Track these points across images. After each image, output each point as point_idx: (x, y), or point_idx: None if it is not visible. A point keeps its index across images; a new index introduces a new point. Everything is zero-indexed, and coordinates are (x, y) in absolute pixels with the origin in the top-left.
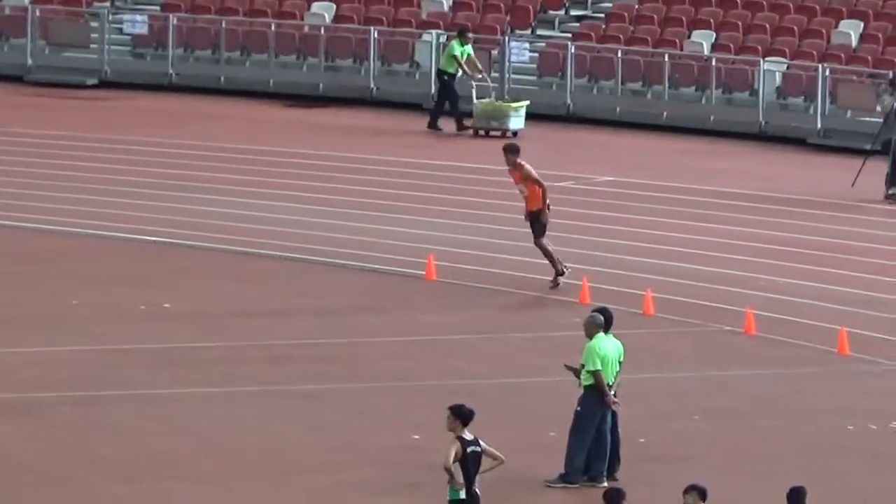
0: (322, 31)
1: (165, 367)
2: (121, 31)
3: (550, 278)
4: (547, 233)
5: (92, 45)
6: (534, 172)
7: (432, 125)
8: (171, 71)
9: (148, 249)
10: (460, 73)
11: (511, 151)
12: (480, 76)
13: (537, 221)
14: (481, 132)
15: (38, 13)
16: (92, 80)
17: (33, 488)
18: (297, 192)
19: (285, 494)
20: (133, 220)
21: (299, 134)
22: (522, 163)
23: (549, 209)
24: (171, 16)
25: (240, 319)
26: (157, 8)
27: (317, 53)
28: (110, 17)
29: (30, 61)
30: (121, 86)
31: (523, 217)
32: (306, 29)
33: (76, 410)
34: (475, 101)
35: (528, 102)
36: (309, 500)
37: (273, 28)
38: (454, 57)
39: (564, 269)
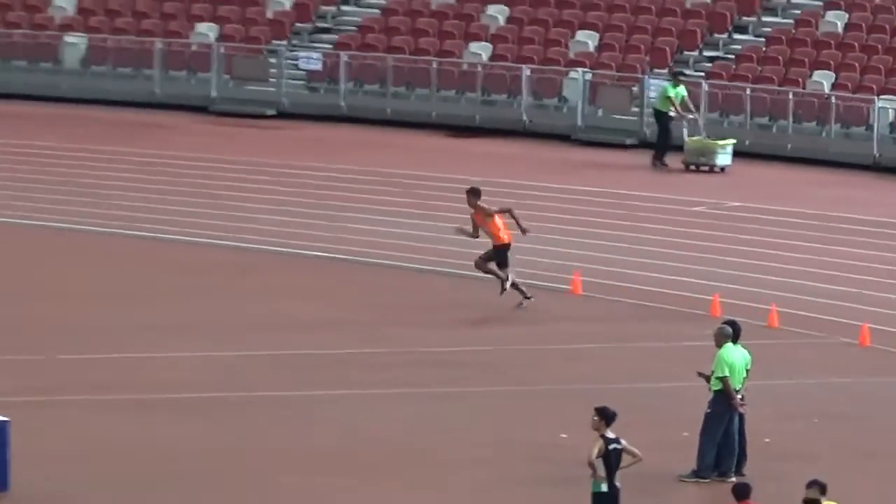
0: (479, 69)
1: (329, 370)
2: (296, 66)
3: (519, 302)
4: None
5: (270, 80)
6: (491, 208)
7: (657, 161)
8: (342, 103)
9: (315, 264)
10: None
11: (472, 194)
12: (692, 116)
13: (501, 255)
14: (692, 167)
15: (222, 50)
16: (270, 111)
17: (204, 479)
18: (453, 214)
19: (443, 486)
20: (305, 237)
21: (457, 161)
22: (481, 205)
23: (524, 230)
24: (342, 53)
25: (398, 328)
26: (330, 46)
27: (474, 89)
28: (287, 55)
29: (214, 93)
30: (296, 116)
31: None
32: (465, 67)
33: (237, 409)
34: (686, 138)
35: (734, 140)
36: (467, 492)
37: (435, 66)
38: (668, 98)
39: (506, 289)
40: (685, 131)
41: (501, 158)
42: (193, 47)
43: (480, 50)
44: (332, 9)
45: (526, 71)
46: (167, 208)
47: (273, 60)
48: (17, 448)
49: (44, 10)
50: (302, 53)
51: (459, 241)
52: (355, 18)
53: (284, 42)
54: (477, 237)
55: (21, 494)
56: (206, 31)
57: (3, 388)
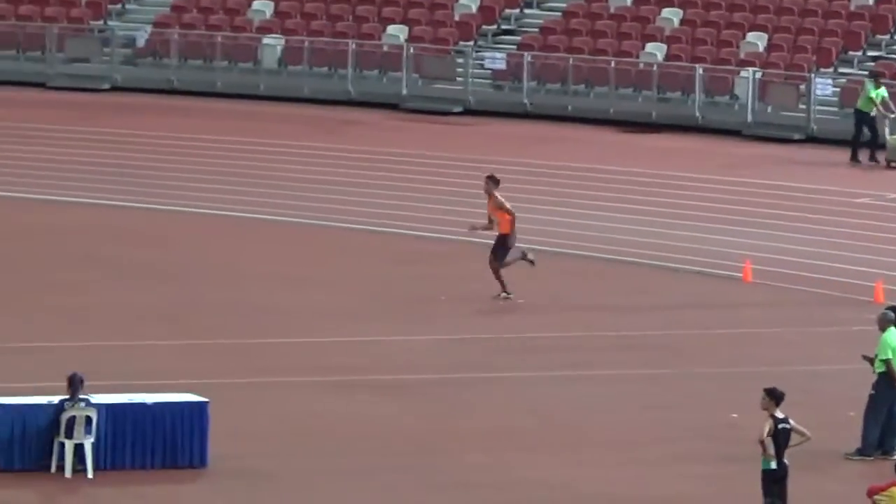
0: (655, 68)
1: (519, 353)
2: (482, 66)
3: (499, 293)
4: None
5: (458, 79)
6: (505, 203)
7: (857, 158)
8: (525, 101)
9: None
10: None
11: (493, 182)
12: (894, 115)
13: (503, 245)
14: (893, 164)
15: (412, 50)
16: (457, 109)
17: (415, 457)
18: (630, 205)
19: (620, 464)
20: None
21: (633, 156)
22: (496, 194)
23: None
24: (525, 54)
25: (584, 313)
26: (514, 47)
27: (650, 87)
28: (474, 55)
29: (405, 91)
30: (482, 113)
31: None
32: (641, 66)
33: (445, 390)
34: (888, 136)
35: None
36: (643, 469)
37: (613, 65)
38: (870, 99)
39: (510, 294)
40: (887, 130)
41: (675, 153)
42: (385, 48)
43: (656, 50)
44: (516, 11)
45: (699, 70)
46: (363, 200)
47: (460, 60)
48: (216, 427)
49: (243, 14)
50: (487, 54)
51: (643, 231)
52: (537, 21)
53: (471, 43)
54: (491, 228)
55: (218, 470)
56: (397, 32)
57: (206, 370)
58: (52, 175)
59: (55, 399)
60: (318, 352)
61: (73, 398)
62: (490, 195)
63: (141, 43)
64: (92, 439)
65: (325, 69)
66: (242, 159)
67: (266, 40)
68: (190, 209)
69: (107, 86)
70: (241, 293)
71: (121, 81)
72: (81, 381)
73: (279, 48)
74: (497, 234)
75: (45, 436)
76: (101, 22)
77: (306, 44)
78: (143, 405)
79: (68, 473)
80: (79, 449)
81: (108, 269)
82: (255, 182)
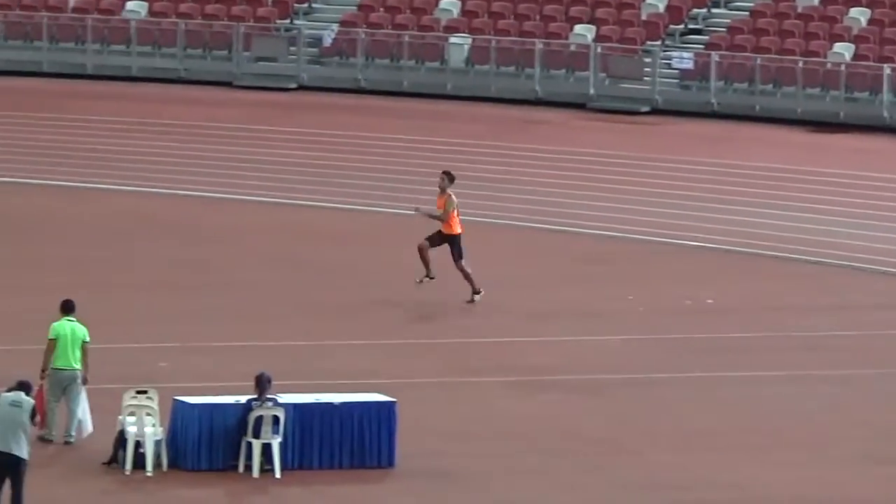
0: (842, 68)
1: (707, 354)
2: (670, 65)
3: (468, 299)
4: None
5: (645, 78)
6: (454, 204)
7: None
8: (713, 100)
9: (691, 252)
10: None
11: (449, 178)
12: None
13: (455, 245)
14: None
15: (599, 50)
16: (645, 108)
17: (603, 457)
18: (818, 205)
19: (803, 464)
20: (682, 227)
21: (821, 156)
22: (451, 193)
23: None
24: (712, 53)
25: (772, 313)
26: (702, 46)
27: (838, 86)
28: (661, 54)
29: (592, 91)
30: (669, 113)
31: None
32: (829, 66)
33: (633, 391)
34: None
35: None
36: (826, 469)
37: (800, 65)
38: None
39: (480, 290)
40: None
41: (863, 153)
42: (572, 47)
43: (843, 50)
44: (703, 11)
45: (887, 70)
46: (549, 200)
47: (648, 60)
48: (404, 426)
49: (430, 13)
50: (675, 53)
51: (827, 231)
52: (725, 20)
53: (658, 42)
54: (444, 221)
55: (406, 470)
56: (584, 31)
57: (394, 369)
58: (237, 174)
59: (243, 399)
60: (508, 351)
61: (261, 398)
62: (443, 191)
63: (327, 42)
64: (279, 439)
65: (511, 68)
66: (428, 159)
67: (453, 39)
68: (376, 208)
69: (293, 85)
70: (429, 293)
71: (307, 81)
72: (269, 381)
73: (466, 47)
74: (446, 234)
75: (233, 436)
76: (288, 21)
77: (493, 43)
78: (330, 405)
79: (256, 473)
80: (266, 449)
81: (293, 269)
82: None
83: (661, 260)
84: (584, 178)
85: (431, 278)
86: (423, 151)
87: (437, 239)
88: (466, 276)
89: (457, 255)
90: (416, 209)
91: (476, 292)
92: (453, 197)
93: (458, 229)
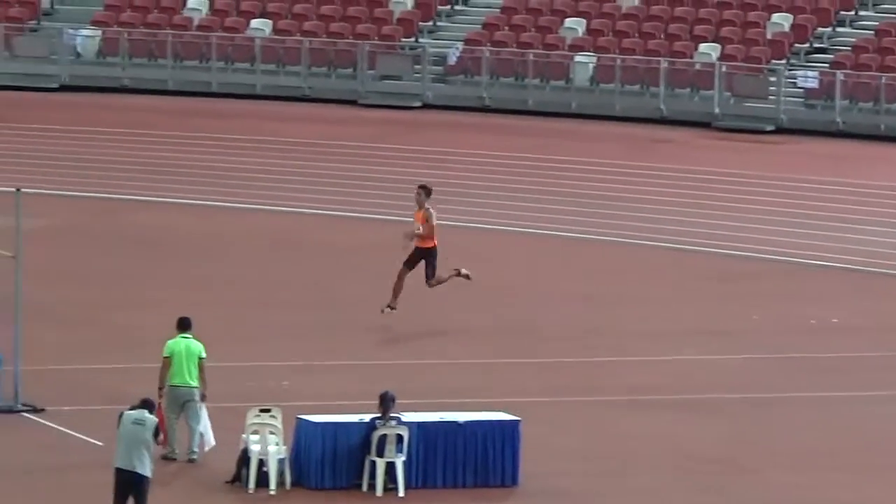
0: None
1: (829, 373)
2: (794, 84)
3: (387, 305)
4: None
5: (770, 97)
6: (433, 217)
7: None
8: (838, 119)
9: (817, 272)
10: None
11: (426, 193)
12: None
13: (431, 260)
14: None
15: (724, 69)
16: (769, 127)
17: (722, 477)
18: None
19: None
20: (803, 246)
21: None
22: (429, 207)
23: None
24: (838, 73)
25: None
26: (826, 65)
27: None
28: (786, 73)
29: (717, 110)
30: (794, 132)
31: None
32: None
33: (752, 410)
34: None
35: None
36: None
37: None
38: None
39: (395, 307)
40: None
41: None
42: (697, 66)
43: None
44: (828, 30)
45: None
46: (674, 219)
47: (772, 79)
48: (528, 446)
49: (555, 31)
50: (800, 72)
51: None
52: (850, 39)
53: (783, 61)
54: (428, 236)
55: (530, 489)
56: (709, 50)
57: (517, 388)
58: (361, 192)
59: (367, 417)
60: (628, 370)
61: (385, 416)
62: (421, 207)
63: (452, 60)
64: (403, 458)
65: (636, 87)
66: (552, 178)
67: (578, 58)
68: (500, 227)
69: (418, 103)
70: (552, 312)
71: (432, 99)
72: (393, 400)
73: (591, 66)
74: (424, 248)
75: (357, 454)
76: (413, 39)
77: (618, 62)
78: (454, 424)
79: (379, 492)
80: (390, 467)
81: (416, 287)
82: (566, 200)
83: (786, 279)
84: (708, 198)
85: (393, 308)
86: (548, 170)
87: (416, 258)
88: (438, 283)
89: (430, 272)
90: (406, 238)
91: (392, 308)
92: (432, 210)
93: (431, 242)
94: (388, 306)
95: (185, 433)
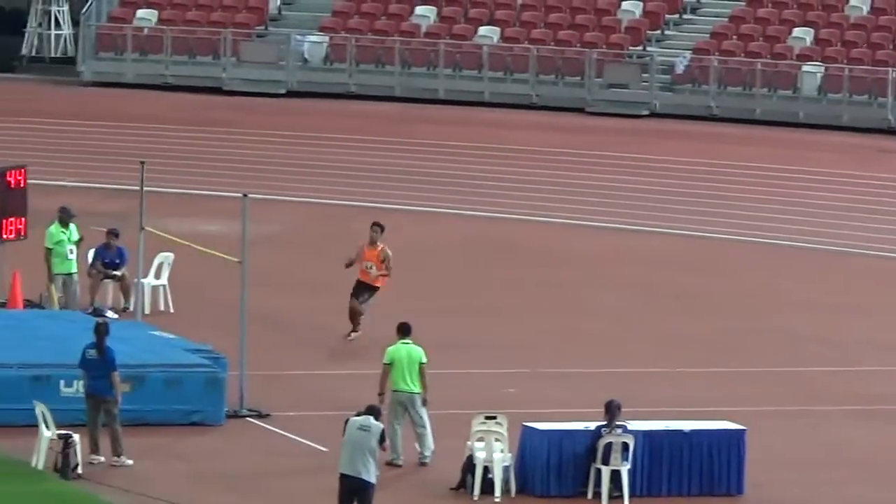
0: None
1: None
2: None
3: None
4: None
5: None
6: (391, 261)
7: None
8: None
9: None
10: None
11: (381, 230)
12: None
13: (372, 294)
14: None
15: None
16: None
17: None
18: None
19: None
20: None
21: None
22: (385, 247)
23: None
24: None
25: None
26: None
27: None
28: None
29: None
30: None
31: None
32: None
33: None
34: None
35: None
36: None
37: None
38: None
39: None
40: None
41: None
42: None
43: None
44: None
45: None
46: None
47: None
48: (753, 455)
49: (784, 41)
50: None
51: None
52: None
53: None
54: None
55: (754, 499)
56: None
57: (742, 398)
58: (588, 200)
59: (592, 425)
60: (856, 381)
61: (611, 424)
62: (374, 245)
63: (680, 69)
64: (628, 466)
65: (864, 97)
66: (778, 187)
67: (806, 68)
68: (724, 236)
69: (645, 112)
70: (777, 321)
71: (659, 108)
72: (619, 408)
73: (819, 76)
74: (371, 286)
75: (582, 462)
76: (641, 48)
77: (846, 71)
78: (680, 432)
79: (605, 500)
80: (615, 475)
81: (645, 296)
82: (791, 210)
83: None
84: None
85: (356, 332)
86: (776, 180)
87: (362, 291)
88: (356, 315)
89: (366, 299)
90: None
91: (354, 331)
92: (389, 252)
93: (383, 283)
94: (353, 331)
95: (409, 439)
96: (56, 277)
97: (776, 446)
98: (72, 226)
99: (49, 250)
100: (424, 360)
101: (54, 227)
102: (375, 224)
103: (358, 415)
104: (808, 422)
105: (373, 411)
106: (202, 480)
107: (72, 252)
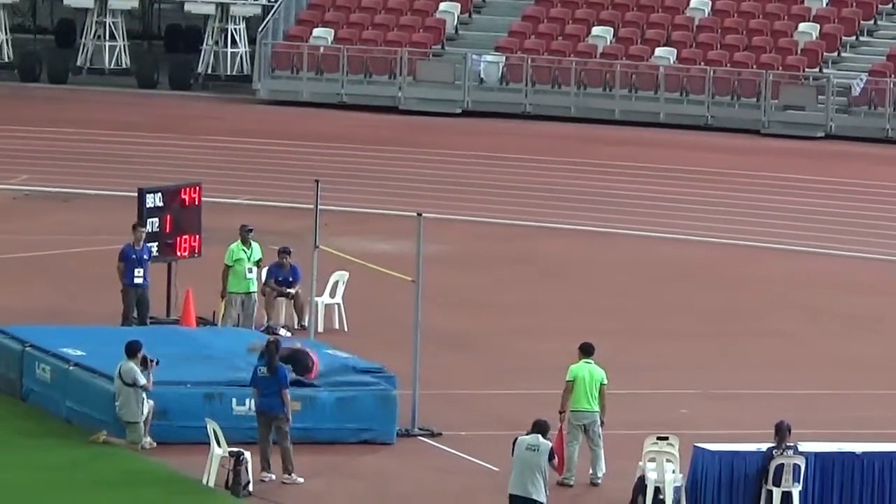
0: None
1: None
2: None
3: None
4: None
5: None
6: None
7: None
8: None
9: None
10: None
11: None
12: None
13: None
14: None
15: None
16: None
17: None
18: None
19: None
20: None
21: None
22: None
23: None
24: None
25: None
26: None
27: None
28: None
29: None
30: None
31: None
32: None
33: None
34: None
35: None
36: None
37: None
38: None
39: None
40: None
41: None
42: None
43: None
44: None
45: None
46: None
47: None
48: None
49: None
50: None
51: None
52: None
53: None
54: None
55: None
56: None
57: None
58: (763, 222)
59: (763, 447)
60: None
61: (781, 446)
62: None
63: (856, 91)
64: (800, 487)
65: None
66: None
67: None
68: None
69: (821, 134)
70: None
71: (835, 129)
72: (789, 429)
73: None
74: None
75: (753, 483)
76: (817, 69)
77: None
78: (852, 454)
79: None
80: (786, 497)
81: (817, 318)
82: None
83: None
84: None
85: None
86: None
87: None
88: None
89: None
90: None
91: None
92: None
93: None
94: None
95: (584, 459)
96: (234, 296)
97: None
98: (254, 245)
99: (228, 267)
100: (605, 381)
101: (235, 246)
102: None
103: (528, 433)
104: None
105: (541, 428)
106: (374, 499)
107: (251, 271)
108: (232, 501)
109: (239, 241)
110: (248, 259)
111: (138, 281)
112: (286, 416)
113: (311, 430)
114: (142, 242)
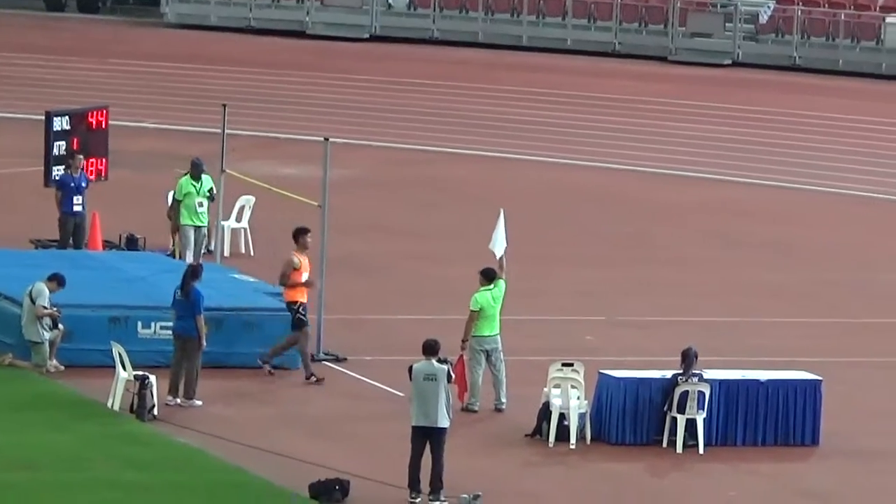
0: None
1: None
2: None
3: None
4: None
5: None
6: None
7: None
8: None
9: None
10: None
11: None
12: None
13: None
14: None
15: None
16: None
17: None
18: None
19: None
20: None
21: None
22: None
23: None
24: None
25: None
26: None
27: None
28: None
29: None
30: None
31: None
32: None
33: None
34: None
35: None
36: None
37: None
38: None
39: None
40: None
41: None
42: None
43: None
44: None
45: None
46: None
47: None
48: (829, 405)
49: None
50: None
51: None
52: None
53: None
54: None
55: (830, 449)
56: None
57: (822, 349)
58: (669, 149)
59: (668, 374)
60: None
61: (687, 373)
62: (304, 251)
63: (764, 19)
64: (704, 415)
65: None
66: (860, 138)
67: (889, 19)
68: (806, 186)
69: (728, 61)
70: (863, 273)
71: (742, 57)
72: (695, 356)
73: None
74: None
75: (658, 410)
76: None
77: None
78: (756, 382)
79: (679, 449)
80: (690, 424)
81: (725, 246)
82: (870, 161)
83: None
84: None
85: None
86: (859, 131)
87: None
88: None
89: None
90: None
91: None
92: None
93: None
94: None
95: (488, 384)
96: (186, 228)
97: (856, 397)
98: (204, 177)
99: (178, 202)
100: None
101: (184, 180)
102: (302, 231)
103: (422, 360)
104: (886, 373)
105: (431, 349)
106: (279, 424)
107: (201, 205)
108: (137, 425)
109: (188, 174)
110: (198, 193)
111: (77, 209)
112: (199, 342)
113: (220, 354)
114: (79, 170)
